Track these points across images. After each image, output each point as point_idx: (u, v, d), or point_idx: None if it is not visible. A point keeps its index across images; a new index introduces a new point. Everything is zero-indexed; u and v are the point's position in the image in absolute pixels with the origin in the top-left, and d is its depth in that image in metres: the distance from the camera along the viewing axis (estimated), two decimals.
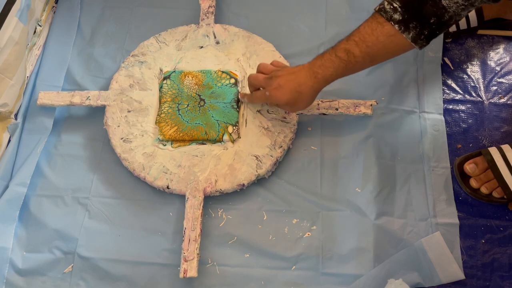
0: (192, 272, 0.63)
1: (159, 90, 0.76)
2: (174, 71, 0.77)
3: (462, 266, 0.67)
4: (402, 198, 0.71)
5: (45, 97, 0.76)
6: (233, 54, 0.79)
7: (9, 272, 0.67)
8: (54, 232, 0.69)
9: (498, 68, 0.81)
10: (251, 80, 0.70)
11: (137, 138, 0.73)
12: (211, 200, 0.71)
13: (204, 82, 0.76)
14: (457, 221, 0.69)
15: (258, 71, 0.71)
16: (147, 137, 0.73)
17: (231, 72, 0.77)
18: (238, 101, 0.75)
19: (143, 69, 0.78)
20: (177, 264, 0.67)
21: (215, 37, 0.80)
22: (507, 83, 0.80)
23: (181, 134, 0.72)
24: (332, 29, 0.83)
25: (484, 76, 0.81)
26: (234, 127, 0.73)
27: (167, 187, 0.70)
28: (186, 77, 0.76)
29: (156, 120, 0.74)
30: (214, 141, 0.72)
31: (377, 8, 0.61)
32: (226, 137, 0.72)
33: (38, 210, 0.71)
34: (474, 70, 0.81)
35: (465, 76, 0.81)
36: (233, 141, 0.72)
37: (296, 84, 0.65)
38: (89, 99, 0.75)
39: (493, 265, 0.67)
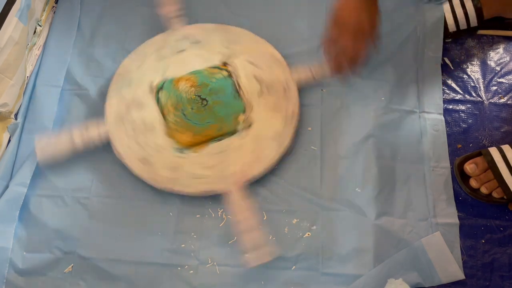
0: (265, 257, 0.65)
1: (157, 104, 0.75)
2: (165, 81, 0.77)
3: (462, 266, 0.67)
4: (402, 198, 0.71)
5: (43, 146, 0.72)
6: (214, 49, 0.79)
7: (9, 272, 0.67)
8: (54, 232, 0.69)
9: (498, 68, 0.81)
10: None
11: (155, 156, 0.72)
12: (211, 200, 0.71)
13: (199, 82, 0.76)
14: (457, 221, 0.69)
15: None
16: (165, 152, 0.73)
17: (221, 66, 0.77)
18: (238, 90, 0.75)
19: (133, 89, 0.76)
20: (177, 264, 0.67)
21: (191, 38, 0.80)
22: (507, 83, 0.80)
23: (197, 137, 0.73)
24: None
25: (484, 76, 0.81)
26: (244, 114, 0.73)
27: (207, 191, 0.70)
28: (179, 82, 0.76)
29: (167, 133, 0.73)
30: (231, 134, 0.73)
31: None
32: (240, 125, 0.73)
33: (38, 210, 0.71)
34: (474, 70, 0.81)
35: (465, 76, 0.81)
36: (248, 127, 0.73)
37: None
38: (88, 130, 0.72)
39: (493, 265, 0.67)
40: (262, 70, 0.77)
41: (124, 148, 0.72)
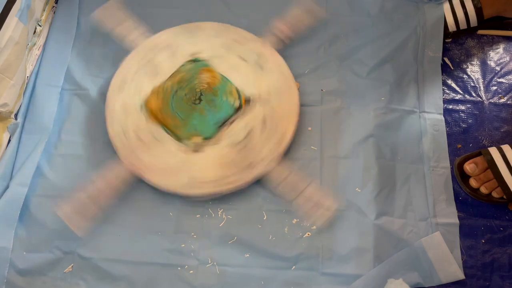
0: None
1: (179, 69, 0.76)
2: (203, 61, 0.77)
3: (462, 266, 0.67)
4: (402, 198, 0.71)
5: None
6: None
7: (9, 272, 0.67)
8: (54, 232, 0.69)
9: (498, 68, 0.81)
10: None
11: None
12: (211, 200, 0.71)
13: (216, 87, 0.75)
14: (457, 221, 0.69)
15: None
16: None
17: (243, 97, 0.74)
18: (223, 124, 0.72)
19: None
20: (177, 264, 0.67)
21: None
22: (507, 83, 0.80)
23: (161, 115, 0.73)
24: (332, 29, 0.83)
25: (484, 76, 0.81)
26: (203, 140, 0.72)
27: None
28: (206, 72, 0.76)
29: (153, 89, 0.74)
30: (178, 138, 0.72)
31: None
32: (189, 142, 0.72)
33: (38, 210, 0.71)
34: (474, 70, 0.81)
35: (465, 76, 0.81)
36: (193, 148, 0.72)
37: None
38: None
39: (493, 265, 0.67)
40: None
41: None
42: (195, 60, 0.77)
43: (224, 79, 0.75)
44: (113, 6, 0.83)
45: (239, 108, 0.73)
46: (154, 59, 0.78)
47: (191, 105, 0.74)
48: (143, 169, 0.70)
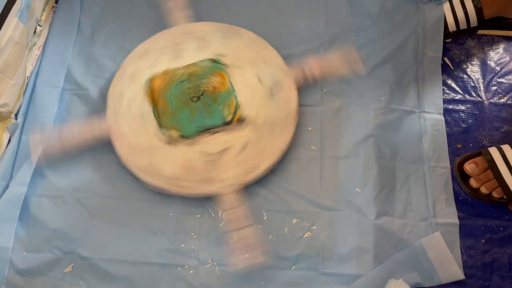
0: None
1: (197, 63, 0.76)
2: (222, 65, 0.76)
3: (462, 266, 0.67)
4: (402, 198, 0.71)
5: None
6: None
7: (9, 272, 0.67)
8: (54, 232, 0.69)
9: (498, 68, 0.81)
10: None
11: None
12: (211, 200, 0.71)
13: (219, 93, 0.74)
14: (457, 221, 0.69)
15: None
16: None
17: (239, 114, 0.73)
18: (206, 130, 0.73)
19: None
20: (177, 264, 0.67)
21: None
22: (507, 83, 0.80)
23: (157, 95, 0.74)
24: (332, 29, 0.83)
25: (484, 76, 0.81)
26: (179, 136, 0.72)
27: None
28: (218, 76, 0.75)
29: (165, 70, 0.76)
30: (160, 124, 0.73)
31: None
32: (166, 132, 0.72)
33: (38, 210, 0.71)
34: (474, 70, 0.81)
35: (465, 76, 0.81)
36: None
37: None
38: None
39: (493, 265, 0.67)
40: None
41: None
42: (215, 61, 0.76)
43: (231, 90, 0.74)
44: None
45: (228, 123, 0.73)
46: (183, 44, 0.79)
47: (187, 100, 0.74)
48: (116, 136, 0.72)
